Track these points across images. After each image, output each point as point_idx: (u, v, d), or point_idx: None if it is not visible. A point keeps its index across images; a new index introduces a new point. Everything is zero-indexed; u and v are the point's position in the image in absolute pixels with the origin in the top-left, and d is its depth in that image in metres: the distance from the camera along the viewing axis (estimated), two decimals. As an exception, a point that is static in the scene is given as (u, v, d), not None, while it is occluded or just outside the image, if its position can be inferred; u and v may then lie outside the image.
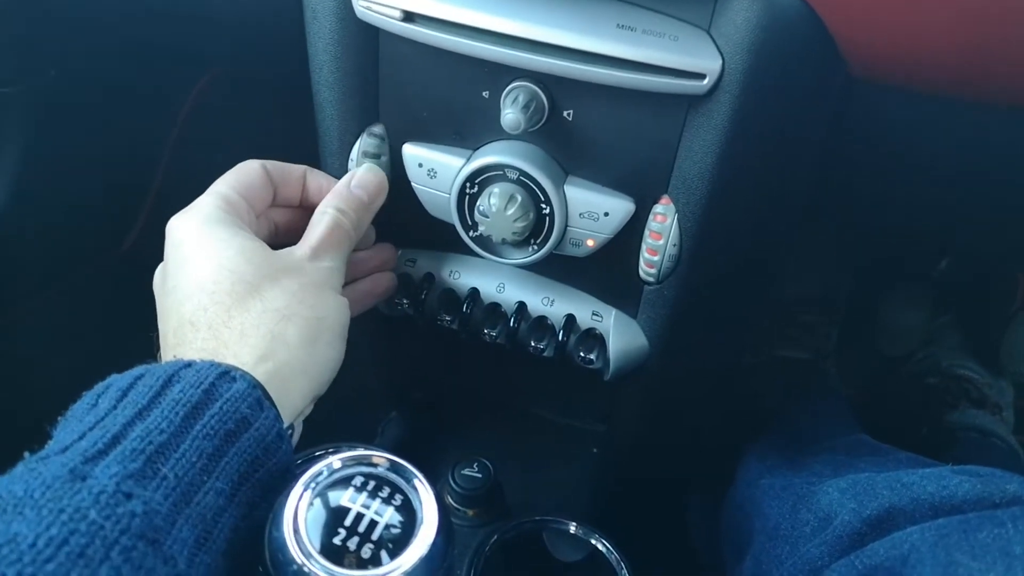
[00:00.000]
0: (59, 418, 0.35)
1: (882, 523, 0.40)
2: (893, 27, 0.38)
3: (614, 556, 0.57)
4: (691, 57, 0.40)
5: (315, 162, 0.55)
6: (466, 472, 0.60)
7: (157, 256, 0.91)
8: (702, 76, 0.40)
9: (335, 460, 0.32)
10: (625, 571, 0.56)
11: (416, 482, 0.32)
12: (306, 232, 0.45)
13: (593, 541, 0.58)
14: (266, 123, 0.86)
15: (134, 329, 0.89)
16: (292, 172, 0.48)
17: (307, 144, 0.60)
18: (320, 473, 0.31)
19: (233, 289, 0.39)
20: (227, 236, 0.41)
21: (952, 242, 0.86)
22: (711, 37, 0.40)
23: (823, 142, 0.46)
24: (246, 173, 0.46)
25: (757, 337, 0.82)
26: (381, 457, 0.32)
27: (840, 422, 0.64)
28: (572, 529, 0.58)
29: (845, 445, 0.56)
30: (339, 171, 0.52)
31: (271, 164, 0.47)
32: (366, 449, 0.33)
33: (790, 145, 0.45)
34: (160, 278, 0.44)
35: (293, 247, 0.44)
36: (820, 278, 0.86)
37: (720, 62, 0.40)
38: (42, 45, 0.74)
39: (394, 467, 0.32)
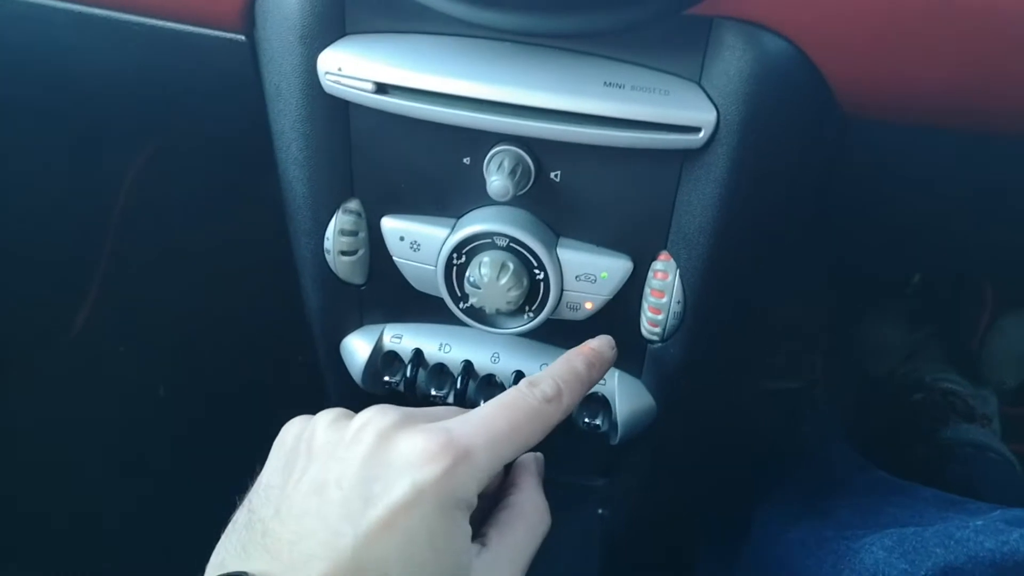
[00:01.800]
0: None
1: None
2: (889, 70, 0.37)
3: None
4: (684, 111, 0.38)
5: (285, 239, 0.52)
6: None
7: (111, 337, 0.86)
8: (697, 129, 0.39)
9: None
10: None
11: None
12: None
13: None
14: (223, 196, 0.83)
15: (90, 419, 0.84)
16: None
17: (272, 216, 0.57)
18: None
19: None
20: (442, 545, 0.31)
21: (924, 257, 0.86)
22: (703, 89, 0.39)
23: (820, 180, 0.45)
24: (529, 431, 0.35)
25: (743, 370, 0.81)
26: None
27: (849, 458, 0.63)
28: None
29: (864, 485, 0.55)
30: (313, 251, 0.49)
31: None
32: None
33: (789, 190, 0.43)
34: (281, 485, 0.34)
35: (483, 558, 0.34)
36: (799, 306, 0.86)
37: (715, 114, 0.38)
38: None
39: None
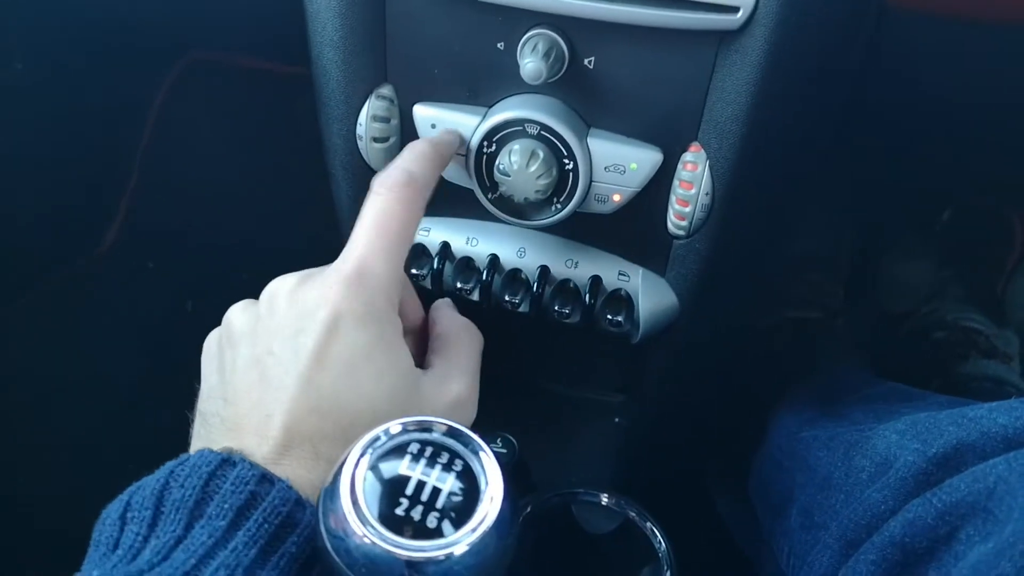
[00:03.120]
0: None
1: (950, 461, 0.38)
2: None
3: (648, 525, 0.55)
4: (724, -12, 0.38)
5: (315, 136, 0.53)
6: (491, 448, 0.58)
7: (138, 255, 0.88)
8: (735, 9, 0.38)
9: (393, 425, 0.30)
10: (660, 539, 0.54)
11: (476, 447, 0.30)
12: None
13: (625, 511, 0.56)
14: (250, 107, 0.83)
15: (120, 331, 0.86)
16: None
17: (300, 123, 0.57)
18: (377, 439, 0.29)
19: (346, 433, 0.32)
20: (382, 363, 0.35)
21: (954, 193, 0.85)
22: (744, -34, 0.38)
23: (855, 76, 0.44)
24: (403, 222, 0.38)
25: (766, 297, 0.81)
26: (439, 423, 0.30)
27: (865, 375, 0.63)
28: (603, 500, 0.57)
29: (880, 394, 0.55)
30: (345, 138, 0.49)
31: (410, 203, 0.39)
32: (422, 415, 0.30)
33: (824, 79, 0.43)
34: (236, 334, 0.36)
35: (429, 375, 0.37)
36: (824, 235, 0.85)
37: (754, -7, 0.38)
38: (6, 37, 0.70)
39: (452, 432, 0.30)
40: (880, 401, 0.53)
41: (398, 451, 0.30)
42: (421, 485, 0.29)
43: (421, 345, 0.41)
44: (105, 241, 0.88)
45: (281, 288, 0.36)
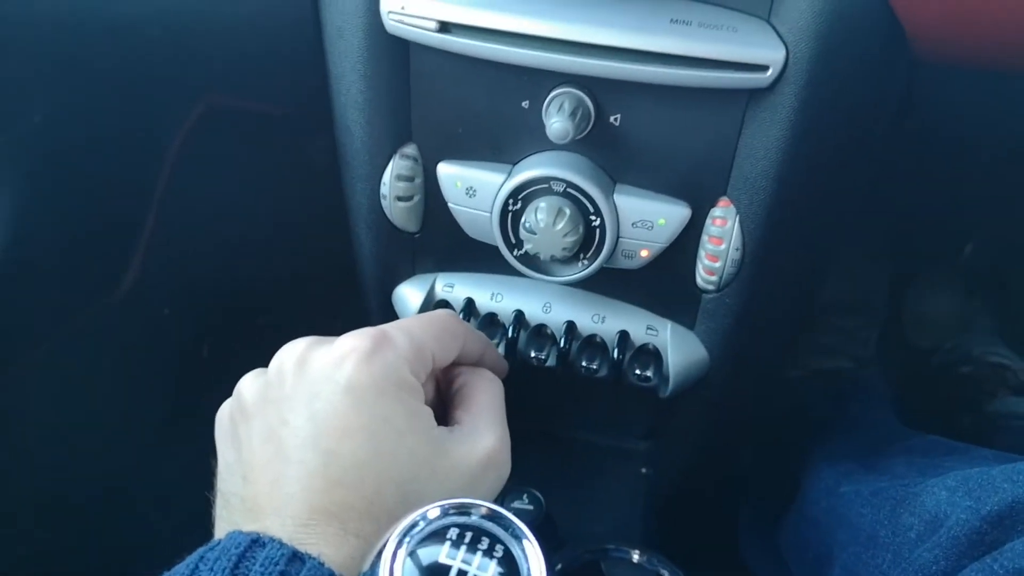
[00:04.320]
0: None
1: (1004, 520, 0.37)
2: (962, 8, 0.36)
3: (681, 582, 0.54)
4: (753, 48, 0.38)
5: (337, 190, 0.53)
6: (516, 505, 0.57)
7: (157, 295, 0.88)
8: (765, 68, 0.38)
9: (431, 509, 0.29)
10: (694, 598, 0.53)
11: (517, 531, 0.29)
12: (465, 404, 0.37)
13: (657, 568, 0.55)
14: (272, 153, 0.83)
15: (137, 378, 0.85)
16: (477, 335, 0.41)
17: (321, 172, 0.57)
18: (414, 525, 0.28)
19: (392, 509, 0.31)
20: (404, 426, 0.33)
21: (976, 225, 0.84)
22: (772, 26, 0.38)
23: (886, 129, 0.44)
24: (444, 327, 0.37)
25: (796, 347, 0.80)
26: (478, 505, 0.29)
27: (900, 427, 0.62)
28: (634, 558, 0.55)
29: (921, 446, 0.54)
30: (369, 197, 0.49)
31: (464, 323, 0.40)
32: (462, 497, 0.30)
33: (856, 134, 0.43)
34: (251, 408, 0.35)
35: (456, 433, 0.35)
36: (856, 281, 0.84)
37: (784, 52, 0.37)
38: (27, 88, 0.71)
39: (492, 516, 0.29)
40: (921, 454, 0.52)
41: (437, 536, 0.29)
42: (462, 574, 0.28)
43: (441, 404, 0.39)
44: (121, 288, 0.88)
45: (291, 354, 0.35)
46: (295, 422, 0.32)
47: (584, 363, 0.51)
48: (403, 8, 0.40)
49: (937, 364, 0.90)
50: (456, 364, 0.39)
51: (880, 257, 0.85)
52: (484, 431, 0.35)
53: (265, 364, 0.37)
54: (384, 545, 0.28)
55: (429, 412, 0.34)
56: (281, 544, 0.29)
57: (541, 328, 0.51)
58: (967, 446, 0.52)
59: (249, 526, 0.31)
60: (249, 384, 0.35)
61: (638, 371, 0.50)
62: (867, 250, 0.83)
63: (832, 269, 0.79)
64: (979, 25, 0.37)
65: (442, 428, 0.35)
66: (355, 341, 0.34)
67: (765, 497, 0.66)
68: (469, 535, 0.29)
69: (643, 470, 0.66)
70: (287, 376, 0.34)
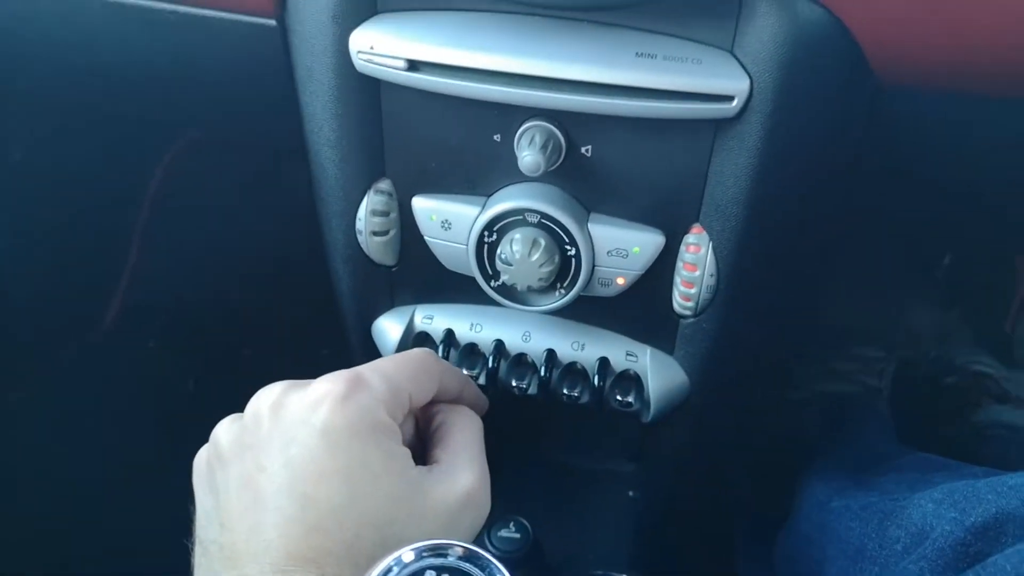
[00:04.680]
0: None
1: (989, 531, 0.37)
2: (924, 33, 0.37)
3: (670, 606, 0.54)
4: (718, 79, 0.38)
5: (315, 225, 0.53)
6: (503, 534, 0.57)
7: (139, 335, 0.87)
8: (730, 98, 0.38)
9: (405, 552, 0.29)
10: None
11: (493, 570, 0.29)
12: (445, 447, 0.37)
13: (646, 592, 0.55)
14: (250, 187, 0.84)
15: (123, 414, 0.85)
16: (455, 373, 0.40)
17: (300, 206, 0.57)
18: (389, 570, 0.28)
19: (371, 552, 0.31)
20: (380, 469, 0.32)
21: (954, 237, 0.85)
22: (735, 57, 0.38)
23: (855, 151, 0.44)
24: (421, 367, 0.37)
25: (801, 371, 0.80)
26: (454, 546, 0.29)
27: (895, 445, 0.62)
28: (623, 582, 0.55)
29: (912, 463, 0.54)
30: (345, 232, 0.49)
31: (441, 361, 0.39)
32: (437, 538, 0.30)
33: (823, 159, 0.43)
34: (227, 457, 0.34)
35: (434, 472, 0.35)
36: (874, 308, 0.84)
37: (748, 82, 0.38)
38: (7, 126, 0.71)
39: (468, 556, 0.29)
40: (913, 471, 0.52)
41: (415, 579, 0.29)
42: (439, 617, 0.28)
43: (420, 443, 0.39)
44: (105, 322, 0.87)
45: (266, 399, 0.34)
46: (271, 468, 0.32)
47: (565, 391, 0.51)
48: (372, 47, 0.41)
49: (920, 376, 0.90)
50: (435, 402, 0.39)
51: (899, 289, 0.86)
52: (462, 469, 0.35)
53: (251, 396, 0.36)
54: (361, 593, 0.28)
55: (406, 453, 0.34)
56: None
57: (521, 357, 0.51)
58: (958, 464, 0.52)
59: (227, 573, 0.31)
60: (225, 430, 0.35)
61: (619, 397, 0.51)
62: (888, 278, 0.84)
63: (852, 296, 0.80)
64: (938, 49, 0.37)
65: (420, 468, 0.34)
66: (330, 385, 0.33)
67: (761, 515, 0.66)
68: (446, 577, 0.29)
69: (631, 493, 0.66)
70: (263, 421, 0.34)
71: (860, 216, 0.60)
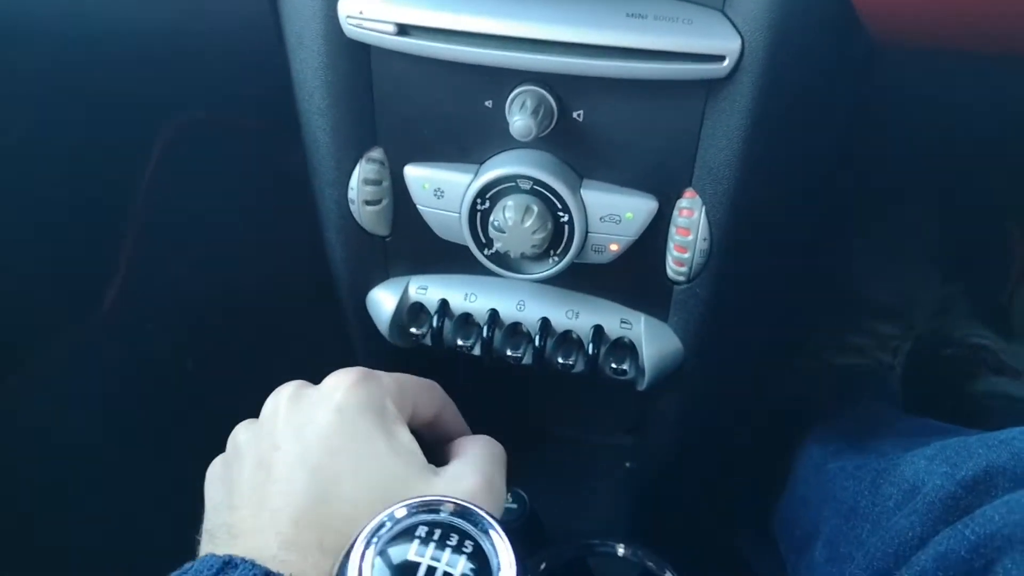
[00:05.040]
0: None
1: (979, 484, 0.37)
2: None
3: (667, 574, 0.54)
4: (708, 39, 0.38)
5: (308, 196, 0.53)
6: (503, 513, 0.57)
7: (137, 317, 0.88)
8: (721, 58, 0.38)
9: (398, 508, 0.29)
10: (680, 589, 0.53)
11: (486, 525, 0.29)
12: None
13: (643, 561, 0.55)
14: (246, 162, 0.83)
15: (123, 395, 0.85)
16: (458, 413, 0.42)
17: (295, 178, 0.57)
18: (382, 525, 0.28)
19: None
20: (384, 447, 0.34)
21: (947, 209, 0.85)
22: (727, 17, 0.38)
23: (848, 114, 0.44)
24: (426, 383, 0.39)
25: (814, 342, 0.80)
26: (446, 502, 0.29)
27: (897, 411, 0.62)
28: (620, 551, 0.55)
29: (910, 427, 0.54)
30: (338, 202, 0.49)
31: (451, 407, 0.41)
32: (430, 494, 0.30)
33: (816, 120, 0.43)
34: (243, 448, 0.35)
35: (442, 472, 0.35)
36: (899, 284, 0.84)
37: (739, 42, 0.38)
38: (2, 109, 0.71)
39: (460, 511, 0.29)
40: (910, 435, 0.52)
41: (406, 535, 0.29)
42: (431, 571, 0.28)
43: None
44: (104, 304, 0.87)
45: (283, 393, 0.36)
46: (285, 446, 0.33)
47: (560, 359, 0.51)
48: (361, 12, 0.41)
49: (918, 348, 0.90)
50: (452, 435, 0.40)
51: (931, 263, 0.85)
52: (469, 475, 0.35)
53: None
54: (352, 546, 0.28)
55: (412, 440, 0.35)
56: (254, 565, 0.29)
57: (516, 326, 0.51)
58: (957, 427, 0.52)
59: (231, 550, 0.31)
60: (243, 430, 0.37)
61: (614, 365, 0.51)
62: (917, 254, 0.83)
63: (878, 268, 0.80)
64: (930, 6, 0.37)
65: (429, 464, 0.35)
66: (343, 375, 0.36)
67: (761, 483, 0.66)
68: (438, 532, 0.29)
69: (627, 464, 0.66)
70: (280, 411, 0.35)
71: (860, 184, 0.60)
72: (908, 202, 0.79)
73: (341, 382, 0.35)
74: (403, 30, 0.40)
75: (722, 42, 0.38)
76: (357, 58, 0.44)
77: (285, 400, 0.36)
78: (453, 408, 0.41)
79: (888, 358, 0.82)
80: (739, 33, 0.38)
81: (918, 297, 0.85)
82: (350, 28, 0.41)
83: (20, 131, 0.73)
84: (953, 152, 0.53)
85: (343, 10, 0.41)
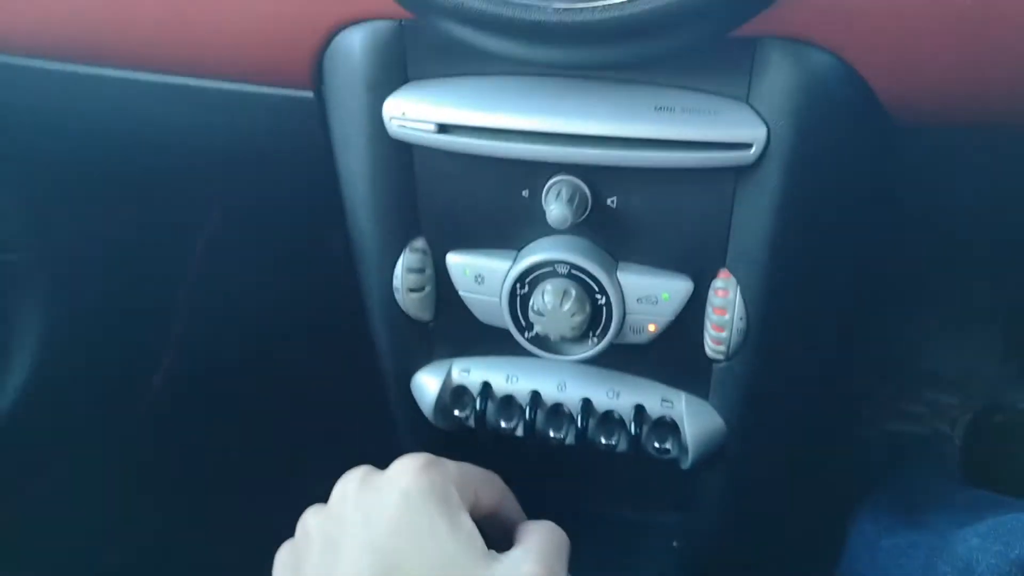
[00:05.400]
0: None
1: None
2: (932, 75, 0.38)
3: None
4: (735, 128, 0.39)
5: (353, 282, 0.55)
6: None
7: (186, 398, 0.90)
8: (748, 146, 0.40)
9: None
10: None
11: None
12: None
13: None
14: (290, 252, 0.87)
15: (174, 483, 0.86)
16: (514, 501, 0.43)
17: (337, 270, 0.59)
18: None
19: None
20: (446, 532, 0.34)
21: (1009, 281, 0.84)
22: (752, 107, 0.40)
23: (879, 190, 0.45)
24: (487, 474, 0.41)
25: (872, 410, 0.79)
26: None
27: (951, 483, 0.61)
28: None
29: (964, 500, 0.53)
30: (382, 290, 0.51)
31: (511, 498, 0.42)
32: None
33: (844, 200, 0.44)
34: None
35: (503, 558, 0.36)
36: (960, 353, 0.83)
37: (765, 130, 0.39)
38: (51, 208, 0.75)
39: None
40: (964, 509, 0.51)
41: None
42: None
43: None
44: (152, 388, 0.90)
45: (352, 479, 0.38)
46: (353, 530, 0.35)
47: (603, 439, 0.51)
48: (404, 114, 0.43)
49: (994, 425, 0.87)
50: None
51: (994, 332, 0.84)
52: (532, 561, 0.35)
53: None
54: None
55: (473, 527, 0.36)
56: None
57: (558, 407, 0.52)
58: (1013, 500, 0.51)
59: None
60: (312, 515, 0.38)
61: (657, 444, 0.51)
62: (980, 322, 0.83)
63: (936, 344, 0.79)
64: (947, 89, 0.38)
65: (490, 551, 0.36)
66: (410, 460, 0.37)
67: (814, 560, 0.65)
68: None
69: (674, 543, 0.65)
70: (348, 497, 0.37)
71: (910, 255, 0.60)
72: (961, 269, 0.78)
73: (408, 468, 0.36)
74: (443, 129, 0.43)
75: (748, 131, 0.39)
76: (400, 155, 0.46)
77: (354, 485, 0.37)
78: (512, 499, 0.42)
79: (945, 427, 0.80)
80: (764, 121, 0.39)
81: (978, 368, 0.84)
82: (394, 129, 0.44)
83: (73, 222, 0.77)
84: (1004, 220, 0.53)
85: (388, 112, 0.44)
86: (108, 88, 0.53)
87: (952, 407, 0.82)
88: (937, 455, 0.76)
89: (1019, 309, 0.86)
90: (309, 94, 0.48)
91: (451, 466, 0.38)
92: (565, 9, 0.35)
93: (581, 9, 0.35)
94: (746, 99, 0.40)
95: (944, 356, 0.84)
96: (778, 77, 0.39)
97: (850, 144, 0.41)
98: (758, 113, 0.39)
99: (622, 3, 0.34)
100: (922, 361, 0.84)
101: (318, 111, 0.48)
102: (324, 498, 0.39)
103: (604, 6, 0.35)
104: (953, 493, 0.56)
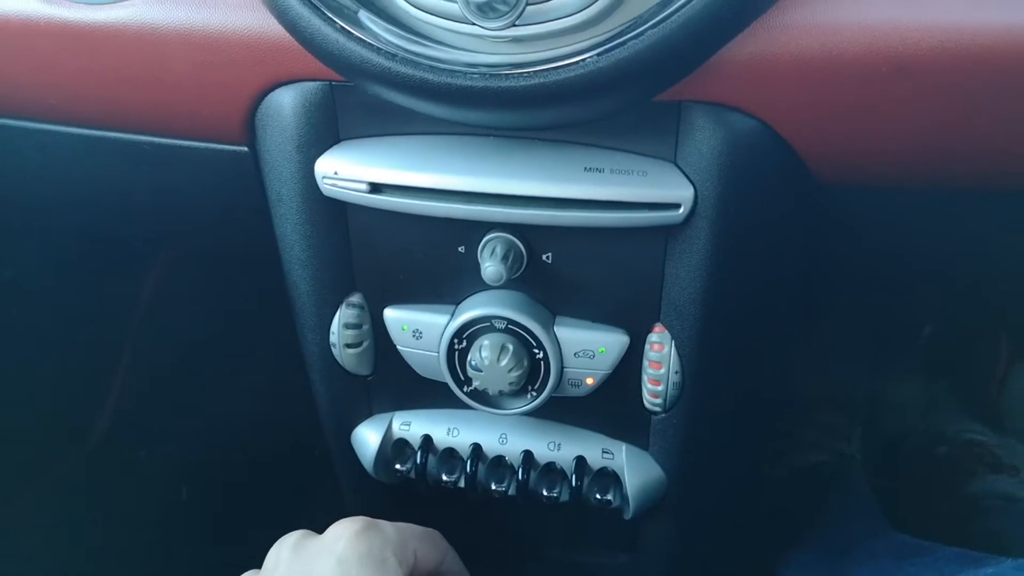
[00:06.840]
0: None
1: None
2: (853, 140, 0.39)
3: None
4: (663, 189, 0.40)
5: (294, 336, 0.54)
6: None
7: (131, 443, 0.88)
8: (677, 206, 0.40)
9: None
10: None
11: None
12: None
13: None
14: (233, 298, 0.85)
15: (116, 526, 0.84)
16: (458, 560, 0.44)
17: (279, 319, 0.58)
18: None
19: None
20: None
21: (932, 309, 0.87)
22: (679, 168, 0.40)
23: (804, 242, 0.46)
24: (429, 533, 0.41)
25: (773, 446, 0.80)
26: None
27: (872, 523, 0.62)
28: None
29: (886, 548, 0.54)
30: (320, 346, 0.50)
31: (448, 545, 0.43)
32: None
33: (772, 255, 0.45)
34: None
35: None
36: (834, 375, 0.85)
37: (692, 190, 0.40)
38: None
39: None
40: (886, 557, 0.52)
41: None
42: None
43: None
44: (96, 433, 0.88)
45: (286, 544, 0.37)
46: None
47: (544, 491, 0.51)
48: (336, 173, 0.43)
49: (913, 446, 0.90)
50: None
51: (860, 351, 0.87)
52: None
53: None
54: None
55: None
56: None
57: (499, 459, 0.52)
58: (934, 545, 0.52)
59: None
60: None
61: (598, 495, 0.51)
62: (846, 345, 0.85)
63: (812, 365, 0.81)
64: (867, 152, 0.39)
65: None
66: (346, 525, 0.37)
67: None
68: None
69: (623, 588, 0.65)
70: (283, 562, 0.36)
71: (830, 298, 0.61)
72: (882, 304, 0.80)
73: (343, 532, 0.36)
74: (376, 188, 0.43)
75: (676, 191, 0.40)
76: (334, 212, 0.46)
77: (287, 550, 0.36)
78: (455, 556, 0.42)
79: (845, 447, 0.82)
80: (691, 182, 0.40)
81: (856, 383, 0.86)
82: (326, 187, 0.44)
83: (16, 270, 0.75)
84: (919, 271, 0.55)
85: (320, 171, 0.43)
86: (56, 144, 0.53)
87: (844, 424, 0.84)
88: (849, 485, 0.78)
89: (936, 334, 0.89)
90: (244, 148, 0.48)
91: (389, 529, 0.37)
92: (491, 75, 0.35)
93: (507, 75, 0.35)
94: (674, 160, 0.41)
95: (826, 380, 0.86)
96: (703, 139, 0.39)
97: (775, 201, 0.42)
98: (685, 174, 0.40)
99: (546, 71, 0.35)
100: (804, 388, 0.86)
101: (253, 167, 0.48)
102: (262, 558, 0.39)
103: (529, 72, 0.35)
104: (875, 537, 0.57)
